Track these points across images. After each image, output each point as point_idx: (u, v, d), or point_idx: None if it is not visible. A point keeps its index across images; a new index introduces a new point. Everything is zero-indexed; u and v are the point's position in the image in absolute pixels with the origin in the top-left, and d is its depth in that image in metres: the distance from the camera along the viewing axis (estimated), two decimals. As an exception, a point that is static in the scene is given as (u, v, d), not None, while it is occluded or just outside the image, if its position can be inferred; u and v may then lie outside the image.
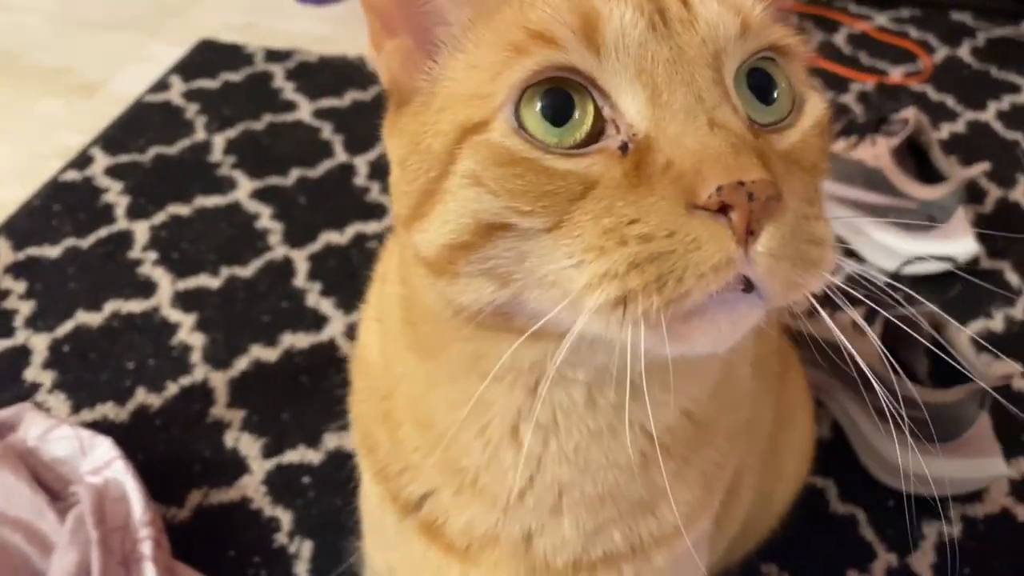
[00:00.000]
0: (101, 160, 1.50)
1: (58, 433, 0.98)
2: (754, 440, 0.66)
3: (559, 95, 0.42)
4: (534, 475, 0.55)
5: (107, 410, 1.12)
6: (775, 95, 0.45)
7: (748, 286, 0.39)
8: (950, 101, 1.71)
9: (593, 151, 0.42)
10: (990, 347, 1.21)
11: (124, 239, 1.36)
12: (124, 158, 1.51)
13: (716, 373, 0.54)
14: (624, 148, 0.41)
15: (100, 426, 1.09)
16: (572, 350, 0.42)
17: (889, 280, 1.16)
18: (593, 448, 0.53)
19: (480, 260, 0.44)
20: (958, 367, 1.05)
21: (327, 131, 1.58)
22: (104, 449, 0.96)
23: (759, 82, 0.44)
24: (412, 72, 0.48)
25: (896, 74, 1.78)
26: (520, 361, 0.48)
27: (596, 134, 0.42)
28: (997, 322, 1.28)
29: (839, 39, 1.89)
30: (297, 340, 1.21)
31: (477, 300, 0.45)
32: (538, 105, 0.42)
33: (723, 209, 0.38)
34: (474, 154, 0.43)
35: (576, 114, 0.42)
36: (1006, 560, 1.01)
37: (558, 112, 0.42)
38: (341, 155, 1.52)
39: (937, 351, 1.10)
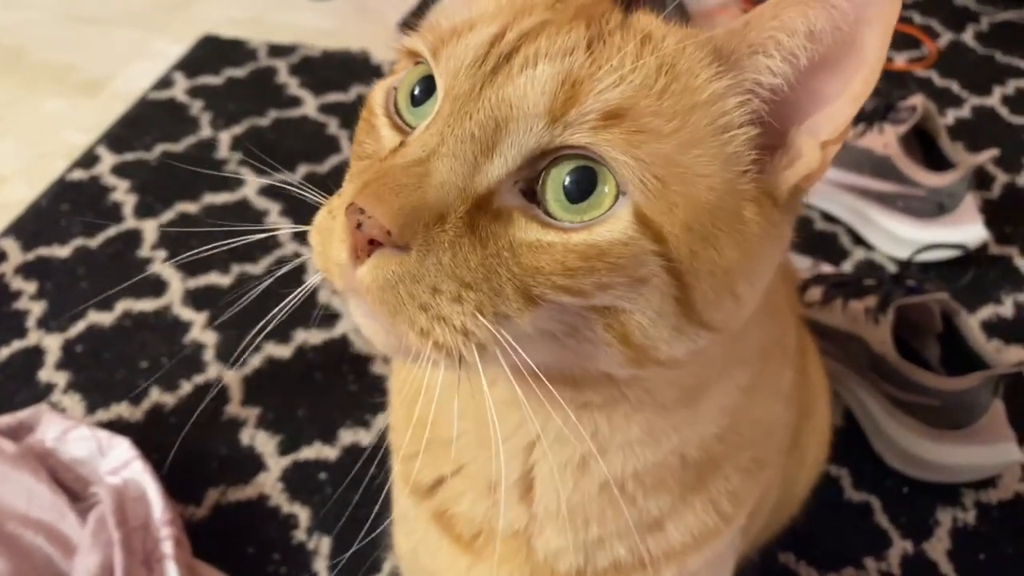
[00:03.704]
0: (107, 159, 1.50)
1: (76, 434, 0.98)
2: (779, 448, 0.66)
3: (428, 81, 0.47)
4: (498, 469, 0.55)
5: (122, 410, 1.12)
6: (589, 200, 0.41)
7: None
8: (955, 87, 1.70)
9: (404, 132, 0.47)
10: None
11: (133, 238, 1.36)
12: (130, 156, 1.51)
13: (693, 425, 0.53)
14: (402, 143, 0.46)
15: (115, 426, 1.09)
16: None
17: (900, 269, 1.17)
18: (554, 470, 0.53)
19: None
20: (970, 354, 1.05)
21: (333, 126, 1.58)
22: (122, 449, 0.97)
23: (581, 179, 0.41)
24: None
25: (900, 60, 1.78)
26: None
27: None
28: (1007, 308, 1.28)
29: (843, 26, 1.88)
30: (310, 336, 1.21)
31: None
32: (414, 82, 0.48)
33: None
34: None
35: (428, 103, 0.47)
36: (1021, 546, 1.02)
37: (420, 97, 0.47)
38: (348, 150, 1.52)
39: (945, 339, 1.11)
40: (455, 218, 0.41)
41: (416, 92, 0.47)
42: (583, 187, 0.41)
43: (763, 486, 0.61)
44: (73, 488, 0.94)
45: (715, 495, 0.57)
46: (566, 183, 0.41)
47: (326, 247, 0.43)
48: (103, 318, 1.23)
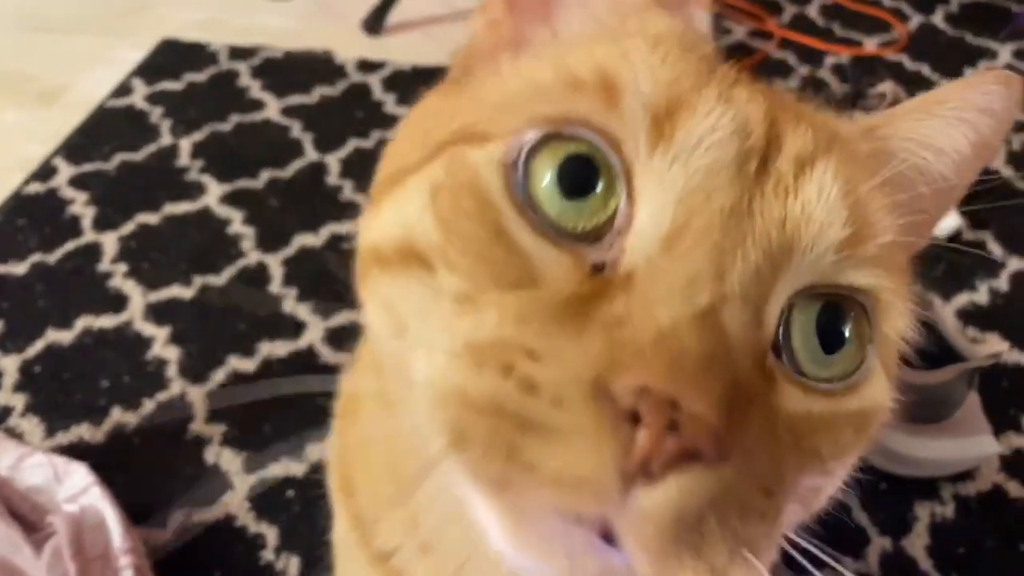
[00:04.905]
0: (65, 170, 1.46)
1: (32, 461, 0.95)
2: None
3: (586, 166, 0.33)
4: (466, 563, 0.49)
5: (83, 431, 1.09)
6: (842, 349, 0.34)
7: (610, 535, 0.29)
8: (926, 70, 1.69)
9: (568, 248, 0.33)
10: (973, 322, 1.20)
11: (92, 252, 1.33)
12: (88, 167, 1.47)
13: None
14: (599, 268, 0.32)
15: (76, 448, 1.06)
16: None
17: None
18: None
19: (388, 286, 0.36)
20: (946, 347, 1.04)
21: (296, 129, 1.55)
22: (80, 475, 0.94)
23: (831, 321, 0.34)
24: (489, 56, 0.41)
25: (871, 44, 1.76)
26: None
27: (595, 234, 0.33)
28: (982, 295, 1.27)
29: (812, 11, 1.86)
30: (275, 348, 1.18)
31: (375, 338, 0.37)
32: (557, 164, 0.33)
33: (634, 418, 0.27)
34: (449, 163, 0.34)
35: (592, 197, 0.33)
36: (1000, 537, 1.01)
37: (574, 183, 0.33)
38: (312, 154, 1.49)
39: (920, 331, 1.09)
40: (754, 393, 0.30)
41: (565, 179, 0.33)
42: (832, 334, 0.33)
43: None
44: (29, 518, 0.91)
45: None
46: (818, 330, 0.33)
47: (555, 446, 0.28)
48: (62, 336, 1.20)
